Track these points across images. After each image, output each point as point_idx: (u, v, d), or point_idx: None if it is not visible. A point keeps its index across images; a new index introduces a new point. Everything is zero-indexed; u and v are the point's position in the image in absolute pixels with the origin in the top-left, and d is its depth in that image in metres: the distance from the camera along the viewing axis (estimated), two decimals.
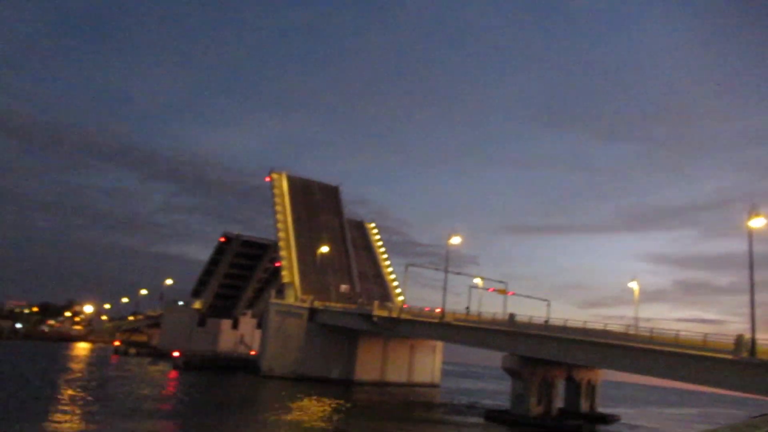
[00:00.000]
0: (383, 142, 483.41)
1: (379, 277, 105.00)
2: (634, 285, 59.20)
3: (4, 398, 45.03)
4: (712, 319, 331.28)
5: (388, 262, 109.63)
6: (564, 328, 53.59)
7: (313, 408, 54.78)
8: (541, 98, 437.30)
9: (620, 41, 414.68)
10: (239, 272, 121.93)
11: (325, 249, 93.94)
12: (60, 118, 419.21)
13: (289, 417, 47.44)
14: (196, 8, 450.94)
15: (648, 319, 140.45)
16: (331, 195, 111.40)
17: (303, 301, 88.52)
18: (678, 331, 45.33)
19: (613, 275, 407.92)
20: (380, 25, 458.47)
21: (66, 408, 42.87)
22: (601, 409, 69.27)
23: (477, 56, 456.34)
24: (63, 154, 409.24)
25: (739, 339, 40.33)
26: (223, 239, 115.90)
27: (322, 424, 45.05)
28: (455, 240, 68.78)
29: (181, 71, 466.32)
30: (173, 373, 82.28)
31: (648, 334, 47.41)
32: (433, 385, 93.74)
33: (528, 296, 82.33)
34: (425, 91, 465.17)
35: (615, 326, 50.76)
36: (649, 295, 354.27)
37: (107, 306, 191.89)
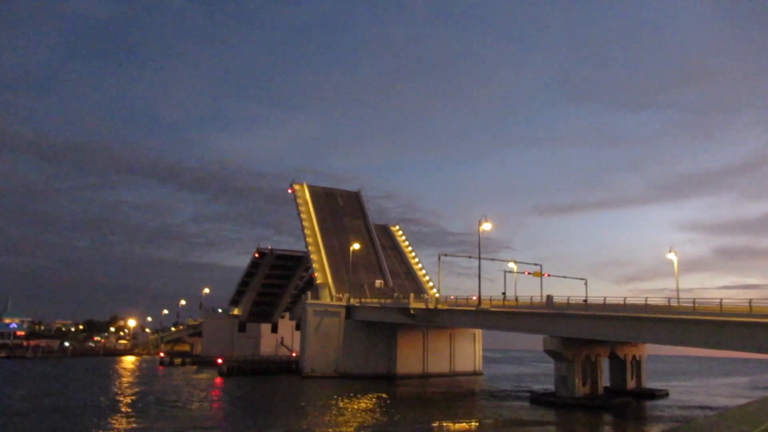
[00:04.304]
0: (406, 134, 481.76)
1: (409, 273, 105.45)
2: (672, 256, 57.89)
3: (65, 410, 46.61)
4: (756, 284, 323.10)
5: (416, 260, 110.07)
6: (604, 306, 52.91)
7: (354, 406, 55.14)
8: (560, 73, 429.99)
9: (637, 5, 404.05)
10: (275, 282, 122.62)
11: (356, 246, 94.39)
12: (89, 139, 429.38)
13: (331, 417, 47.79)
14: (208, 16, 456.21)
15: (689, 290, 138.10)
16: (353, 200, 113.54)
17: (339, 299, 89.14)
18: (721, 299, 44.47)
19: (650, 248, 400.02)
20: (393, 16, 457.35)
21: (121, 418, 44.07)
22: (648, 385, 68.30)
23: (492, 38, 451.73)
24: (94, 173, 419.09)
25: None
26: (257, 255, 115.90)
27: (364, 421, 45.29)
28: (486, 226, 68.38)
29: (200, 81, 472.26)
30: (218, 380, 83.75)
31: (691, 305, 46.51)
32: (475, 373, 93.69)
33: (564, 276, 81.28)
34: (443, 79, 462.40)
35: (656, 299, 49.94)
36: (689, 265, 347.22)
37: (149, 319, 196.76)
